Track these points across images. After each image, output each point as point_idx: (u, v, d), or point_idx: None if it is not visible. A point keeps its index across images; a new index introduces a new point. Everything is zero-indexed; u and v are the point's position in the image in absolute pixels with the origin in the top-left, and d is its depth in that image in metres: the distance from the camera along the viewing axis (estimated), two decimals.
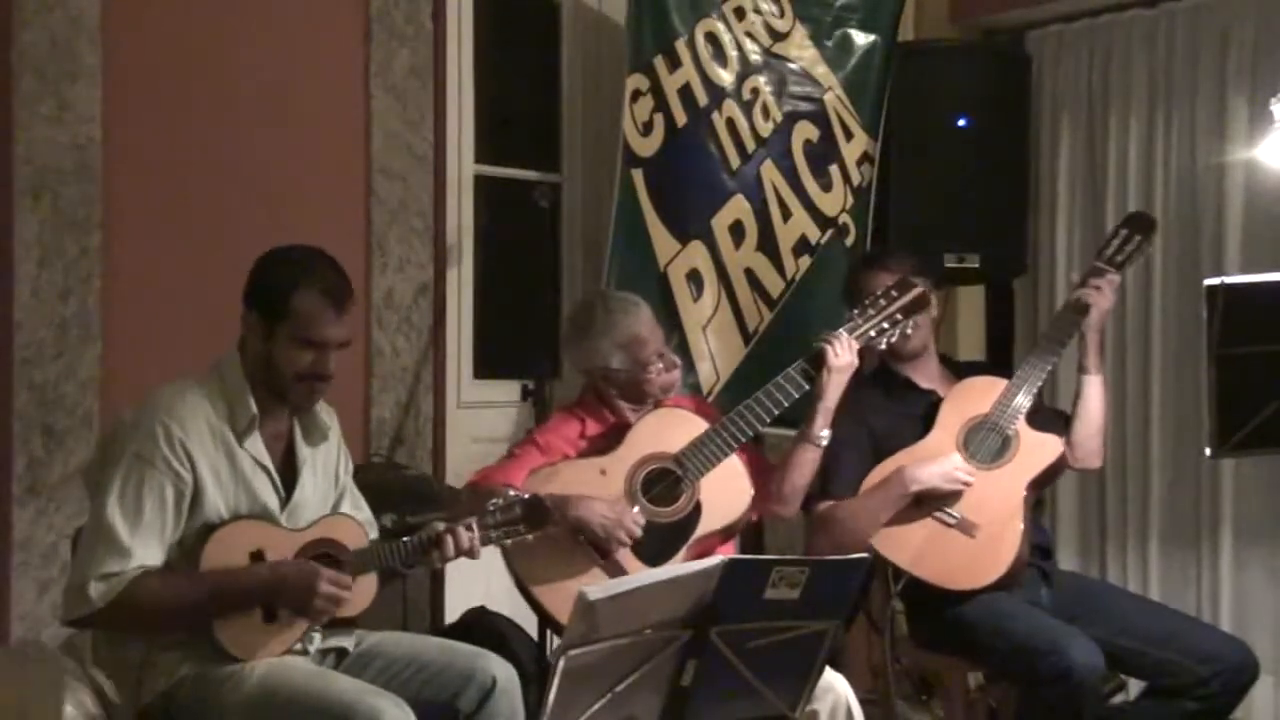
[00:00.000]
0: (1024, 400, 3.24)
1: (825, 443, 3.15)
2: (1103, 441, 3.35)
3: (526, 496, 2.75)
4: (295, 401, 2.67)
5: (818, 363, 3.10)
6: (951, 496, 3.18)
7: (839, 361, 3.08)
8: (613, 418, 3.21)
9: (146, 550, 2.49)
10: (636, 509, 3.02)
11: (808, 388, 3.11)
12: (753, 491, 3.11)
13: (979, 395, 3.30)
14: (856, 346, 3.11)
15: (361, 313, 3.77)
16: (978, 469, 3.21)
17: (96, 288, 3.29)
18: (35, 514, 3.19)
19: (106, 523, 2.48)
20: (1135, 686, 3.38)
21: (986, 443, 3.23)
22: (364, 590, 2.67)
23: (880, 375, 3.36)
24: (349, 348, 2.70)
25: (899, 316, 3.16)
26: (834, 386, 3.10)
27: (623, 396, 3.20)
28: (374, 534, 2.84)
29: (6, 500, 3.16)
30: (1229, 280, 3.04)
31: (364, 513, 2.88)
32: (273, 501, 2.64)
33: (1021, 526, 3.17)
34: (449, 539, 2.65)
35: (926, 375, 3.41)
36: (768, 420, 3.11)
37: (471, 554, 2.68)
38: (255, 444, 2.63)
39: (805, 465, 3.16)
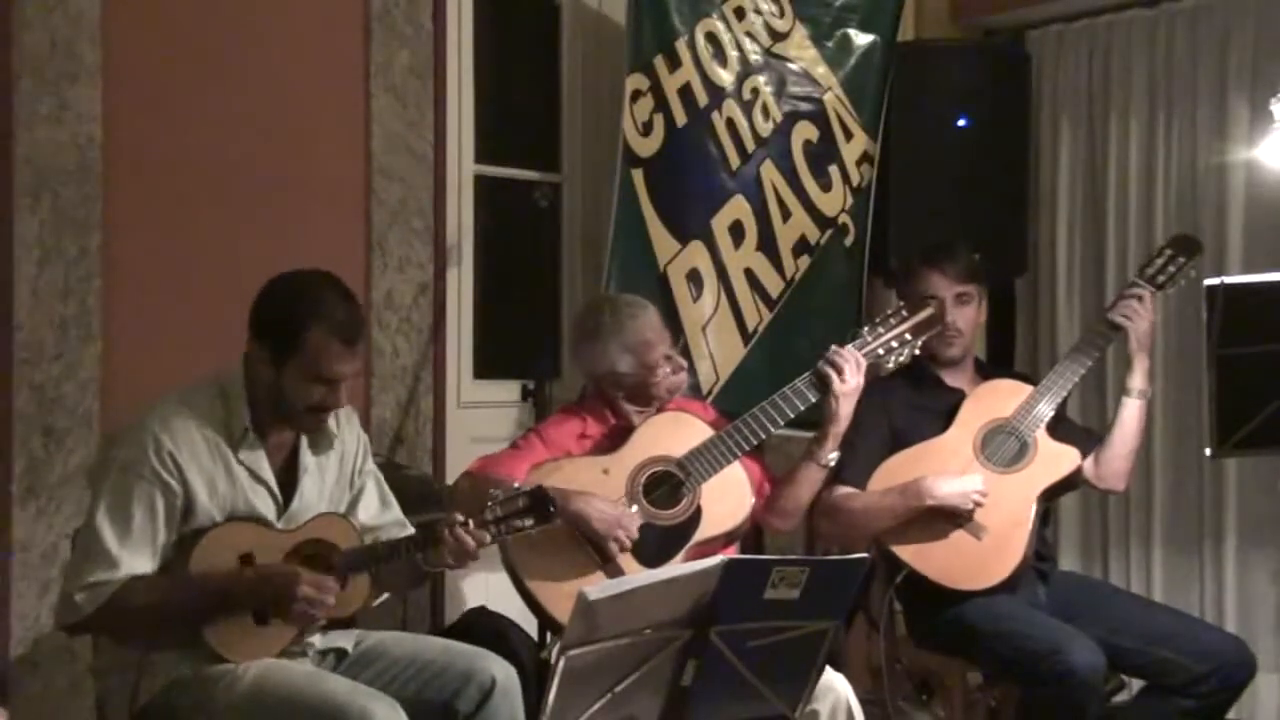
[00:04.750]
0: (1046, 409, 3.24)
1: (832, 465, 3.15)
2: (1131, 466, 3.33)
3: (530, 489, 2.71)
4: (304, 429, 2.68)
5: (824, 386, 3.09)
6: (963, 513, 3.18)
7: (845, 388, 3.07)
8: (614, 419, 3.21)
9: (135, 559, 2.50)
10: (635, 509, 3.02)
11: (814, 400, 3.11)
12: (754, 500, 3.11)
13: (1002, 398, 3.30)
14: (864, 365, 3.10)
15: None
16: (992, 471, 3.21)
17: (96, 288, 3.29)
18: (35, 514, 3.19)
19: (96, 532, 2.50)
20: (1137, 687, 3.37)
21: (1004, 446, 3.24)
22: (356, 590, 2.66)
23: (910, 369, 3.36)
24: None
25: (908, 336, 3.15)
26: (844, 410, 3.09)
27: (628, 399, 3.20)
28: (407, 532, 2.80)
29: (6, 500, 3.16)
30: (1228, 280, 3.05)
31: (393, 512, 2.86)
32: (270, 511, 2.64)
33: (1029, 533, 3.17)
34: (446, 534, 2.64)
35: (957, 376, 3.42)
36: (773, 430, 3.11)
37: (470, 554, 2.67)
38: (251, 455, 2.62)
39: (810, 484, 3.17)
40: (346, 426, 2.80)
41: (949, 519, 3.19)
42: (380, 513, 2.83)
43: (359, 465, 2.83)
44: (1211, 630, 3.38)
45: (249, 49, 3.58)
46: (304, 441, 2.72)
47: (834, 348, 3.10)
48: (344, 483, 2.79)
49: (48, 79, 3.21)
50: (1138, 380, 3.28)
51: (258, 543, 2.58)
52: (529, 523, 2.69)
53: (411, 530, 2.82)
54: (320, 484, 2.73)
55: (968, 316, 3.38)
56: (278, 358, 2.59)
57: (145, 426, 2.55)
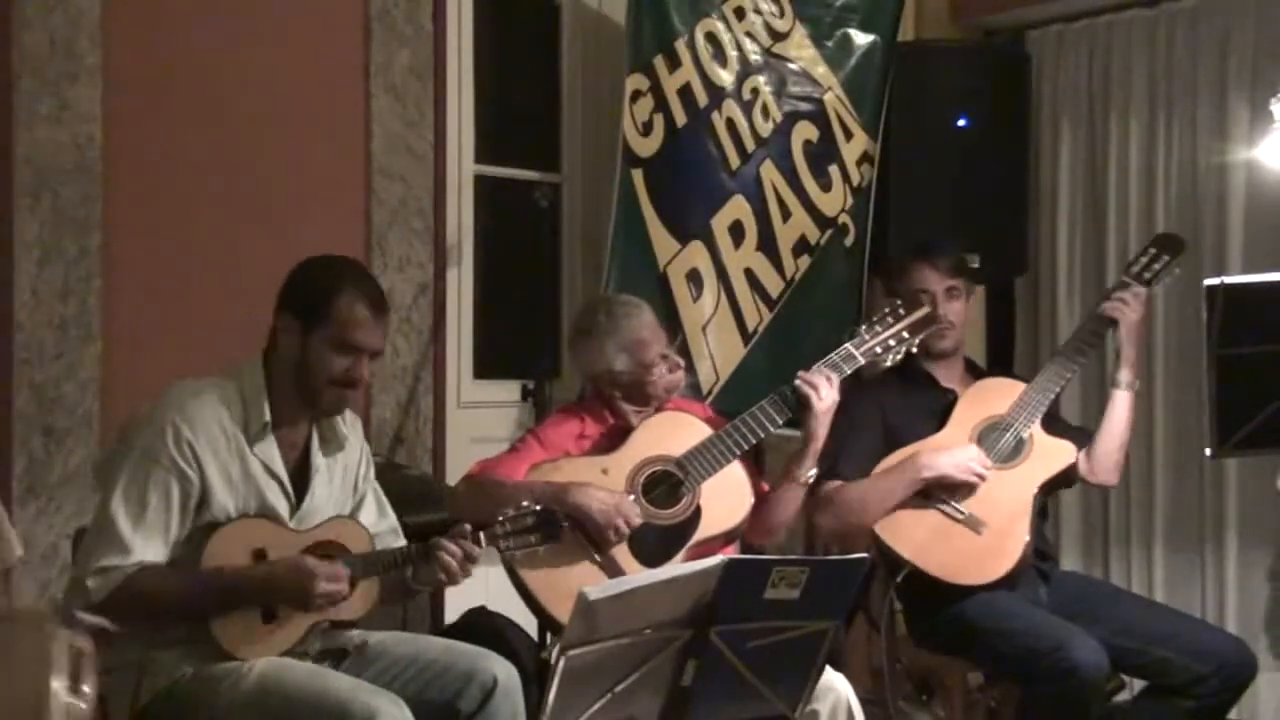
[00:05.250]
0: (1041, 405, 3.25)
1: (810, 482, 3.15)
2: (1122, 459, 3.34)
3: (539, 508, 2.73)
4: (325, 406, 2.67)
5: (801, 406, 3.08)
6: (962, 489, 3.19)
7: (823, 405, 3.07)
8: (613, 419, 3.22)
9: (148, 547, 2.50)
10: (633, 497, 3.02)
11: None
12: (753, 500, 3.12)
13: (996, 396, 3.31)
14: (836, 380, 3.10)
15: None
16: (989, 468, 3.21)
17: (96, 288, 3.29)
18: (35, 514, 3.19)
19: (110, 517, 2.50)
20: (1137, 687, 3.38)
21: (1000, 443, 3.24)
22: (364, 595, 2.66)
23: (902, 368, 3.37)
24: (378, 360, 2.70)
25: (905, 335, 3.16)
26: (821, 427, 3.08)
27: (626, 399, 3.21)
28: (400, 542, 2.81)
29: (6, 500, 3.16)
30: (1228, 280, 3.05)
31: (389, 521, 2.87)
32: (282, 507, 2.64)
33: (1028, 528, 3.18)
34: (450, 544, 2.64)
35: (949, 374, 3.43)
36: (771, 429, 3.11)
37: (470, 566, 2.67)
38: (266, 450, 2.63)
39: (790, 502, 3.16)
40: (352, 432, 2.81)
41: (948, 515, 3.19)
42: (377, 521, 2.84)
43: (362, 473, 2.84)
44: (1212, 631, 3.39)
45: (249, 49, 3.58)
46: (315, 442, 2.72)
47: (800, 374, 3.10)
48: (348, 488, 2.80)
49: (48, 79, 3.21)
50: (1125, 373, 3.30)
51: (271, 540, 2.59)
52: (535, 539, 2.71)
53: (403, 541, 2.83)
54: (329, 486, 2.74)
55: (957, 309, 3.40)
56: (306, 326, 2.61)
57: (164, 415, 2.55)
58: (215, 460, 2.57)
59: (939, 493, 3.20)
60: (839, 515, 3.26)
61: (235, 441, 2.60)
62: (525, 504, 2.74)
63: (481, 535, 2.66)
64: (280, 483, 2.64)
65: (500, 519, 2.70)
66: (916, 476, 3.19)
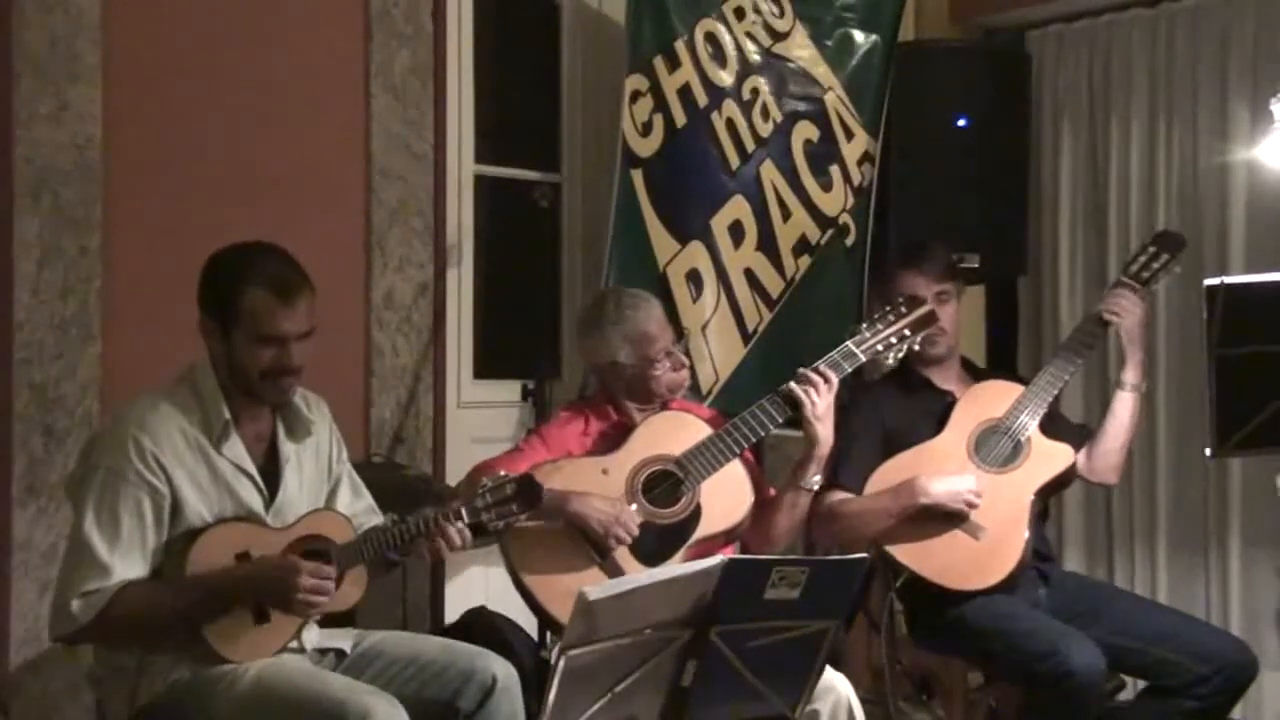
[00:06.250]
0: (1038, 408, 3.25)
1: (815, 489, 3.14)
2: (1123, 460, 3.34)
3: (518, 476, 2.72)
4: (268, 399, 2.65)
5: (794, 408, 3.07)
6: (957, 515, 3.18)
7: (817, 411, 3.06)
8: (616, 415, 3.22)
9: (127, 565, 2.49)
10: (635, 507, 3.02)
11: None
12: (753, 499, 3.12)
13: (993, 399, 3.31)
14: (835, 384, 3.10)
15: (361, 313, 3.78)
16: (987, 472, 3.21)
17: (96, 288, 3.29)
18: (35, 514, 3.19)
19: (85, 541, 2.48)
20: (1138, 687, 3.37)
21: (998, 447, 3.24)
22: (354, 585, 2.66)
23: (899, 373, 3.36)
24: (313, 337, 2.64)
25: (906, 333, 3.16)
26: (821, 431, 3.07)
27: (629, 394, 3.21)
28: (378, 520, 2.80)
29: (6, 500, 3.16)
30: (1228, 280, 3.04)
31: (365, 499, 2.87)
32: (257, 503, 2.63)
33: (1026, 533, 3.18)
34: (434, 523, 2.64)
35: (946, 376, 3.42)
36: (772, 428, 3.11)
37: (459, 537, 2.66)
38: (232, 448, 2.61)
39: (797, 508, 3.16)
40: (318, 414, 2.79)
41: (945, 520, 3.19)
42: (353, 502, 2.84)
43: (335, 455, 2.83)
44: (1213, 631, 3.39)
45: (249, 49, 3.58)
46: (281, 432, 2.71)
47: (800, 371, 3.10)
48: (321, 472, 2.79)
49: (48, 79, 3.21)
50: (1130, 374, 3.30)
51: (253, 541, 2.58)
52: (517, 508, 2.70)
53: (381, 518, 2.81)
54: (300, 474, 2.73)
55: (949, 314, 3.39)
56: (223, 329, 2.59)
57: (124, 430, 2.53)
58: (182, 467, 2.55)
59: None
60: (837, 531, 3.28)
61: (199, 445, 2.58)
62: (503, 473, 2.74)
63: (464, 510, 2.66)
64: (251, 479, 2.63)
65: (480, 490, 2.69)
66: (912, 502, 3.18)
